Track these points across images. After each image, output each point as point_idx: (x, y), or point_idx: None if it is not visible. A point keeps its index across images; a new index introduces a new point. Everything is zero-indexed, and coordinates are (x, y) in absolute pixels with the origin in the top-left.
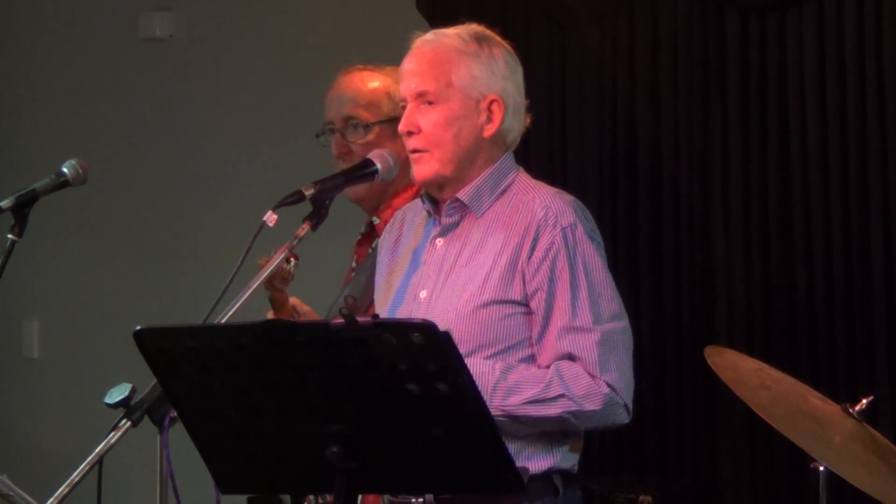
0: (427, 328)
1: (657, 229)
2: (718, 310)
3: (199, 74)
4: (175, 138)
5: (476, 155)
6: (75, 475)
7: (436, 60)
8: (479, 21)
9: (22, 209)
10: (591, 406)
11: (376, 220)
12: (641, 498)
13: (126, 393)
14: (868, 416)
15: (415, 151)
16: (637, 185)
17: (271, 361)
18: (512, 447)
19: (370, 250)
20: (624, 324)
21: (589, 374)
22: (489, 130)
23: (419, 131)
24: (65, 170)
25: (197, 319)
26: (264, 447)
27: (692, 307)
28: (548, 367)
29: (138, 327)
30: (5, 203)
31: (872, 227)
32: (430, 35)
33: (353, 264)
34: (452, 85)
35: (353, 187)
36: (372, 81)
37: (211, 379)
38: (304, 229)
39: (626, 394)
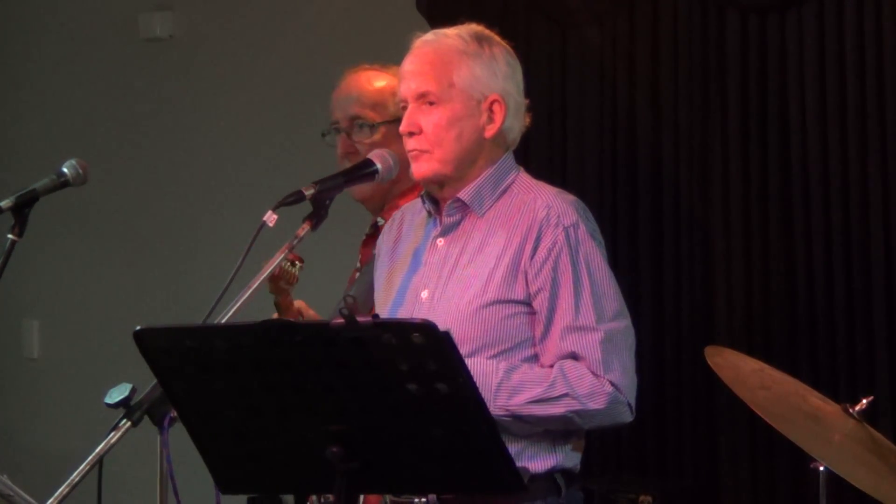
0: (427, 328)
1: (657, 229)
2: (718, 310)
3: (199, 74)
4: (175, 138)
5: (477, 155)
6: (75, 475)
7: (437, 61)
8: (479, 21)
9: (22, 209)
10: (595, 405)
11: (381, 221)
12: (641, 498)
13: (126, 393)
14: (868, 416)
15: (415, 151)
16: (637, 185)
17: (271, 361)
18: (515, 446)
19: (374, 251)
20: (627, 323)
21: (592, 373)
22: (490, 131)
23: (421, 132)
24: (65, 170)
25: (197, 319)
26: (264, 447)
27: (692, 307)
28: (551, 366)
29: (138, 327)
30: (5, 203)
31: (872, 227)
32: (431, 35)
33: (358, 265)
34: (454, 85)
35: (358, 187)
36: (378, 81)
37: (211, 379)
38: (304, 229)
39: (630, 393)
